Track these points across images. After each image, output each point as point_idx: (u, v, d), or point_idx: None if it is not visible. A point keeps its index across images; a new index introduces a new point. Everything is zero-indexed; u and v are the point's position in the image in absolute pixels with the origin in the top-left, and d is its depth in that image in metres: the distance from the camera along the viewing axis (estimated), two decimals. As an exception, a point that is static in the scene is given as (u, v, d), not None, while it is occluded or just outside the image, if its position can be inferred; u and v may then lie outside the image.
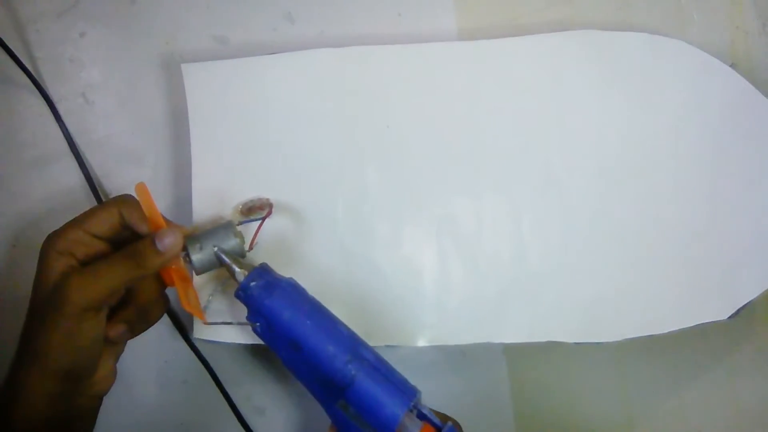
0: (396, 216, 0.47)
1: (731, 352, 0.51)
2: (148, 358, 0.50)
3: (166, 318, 0.49)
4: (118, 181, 0.50)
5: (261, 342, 0.46)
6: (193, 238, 0.41)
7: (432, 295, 0.47)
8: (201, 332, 0.46)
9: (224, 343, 0.46)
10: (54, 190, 0.50)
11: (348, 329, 0.41)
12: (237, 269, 0.41)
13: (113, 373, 0.41)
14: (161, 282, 0.41)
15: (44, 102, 0.49)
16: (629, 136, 0.47)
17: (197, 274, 0.42)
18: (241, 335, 0.46)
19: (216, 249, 0.41)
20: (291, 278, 0.42)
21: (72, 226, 0.39)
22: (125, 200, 0.40)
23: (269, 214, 0.46)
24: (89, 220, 0.39)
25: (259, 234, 0.45)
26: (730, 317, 0.46)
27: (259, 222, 0.45)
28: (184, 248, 0.41)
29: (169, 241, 0.39)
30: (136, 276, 0.38)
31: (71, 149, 0.49)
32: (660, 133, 0.47)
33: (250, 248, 0.44)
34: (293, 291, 0.41)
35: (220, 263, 0.41)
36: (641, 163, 0.47)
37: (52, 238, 0.39)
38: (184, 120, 0.47)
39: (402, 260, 0.47)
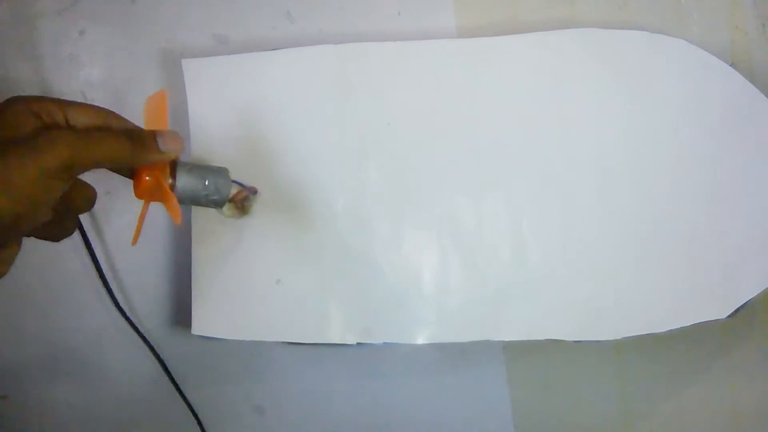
0: (396, 214, 0.47)
1: (730, 352, 0.51)
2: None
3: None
4: (117, 179, 0.50)
5: (260, 339, 0.46)
6: (185, 162, 0.41)
7: (431, 293, 0.47)
8: (200, 329, 0.46)
9: (223, 339, 0.46)
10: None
11: None
12: None
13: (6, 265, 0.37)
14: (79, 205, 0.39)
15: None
16: (629, 134, 0.47)
17: (178, 200, 0.40)
18: (240, 331, 0.46)
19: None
20: None
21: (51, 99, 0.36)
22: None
23: (255, 191, 0.46)
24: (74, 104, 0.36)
25: (252, 212, 0.46)
26: (729, 316, 0.46)
27: (247, 187, 0.45)
28: (173, 169, 0.40)
29: (171, 144, 0.37)
30: (127, 160, 0.36)
31: None
32: (660, 132, 0.47)
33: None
34: None
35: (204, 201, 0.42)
36: (641, 162, 0.47)
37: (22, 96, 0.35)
38: (184, 118, 0.47)
39: (402, 258, 0.47)
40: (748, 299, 0.46)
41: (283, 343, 0.47)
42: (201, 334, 0.46)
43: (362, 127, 0.47)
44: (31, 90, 0.49)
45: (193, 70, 0.47)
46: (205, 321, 0.46)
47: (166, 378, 0.50)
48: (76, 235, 0.48)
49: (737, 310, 0.46)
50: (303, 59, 0.47)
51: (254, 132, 0.47)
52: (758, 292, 0.46)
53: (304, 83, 0.47)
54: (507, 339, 0.46)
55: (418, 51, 0.47)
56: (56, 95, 0.50)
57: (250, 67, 0.47)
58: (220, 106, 0.47)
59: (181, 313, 0.50)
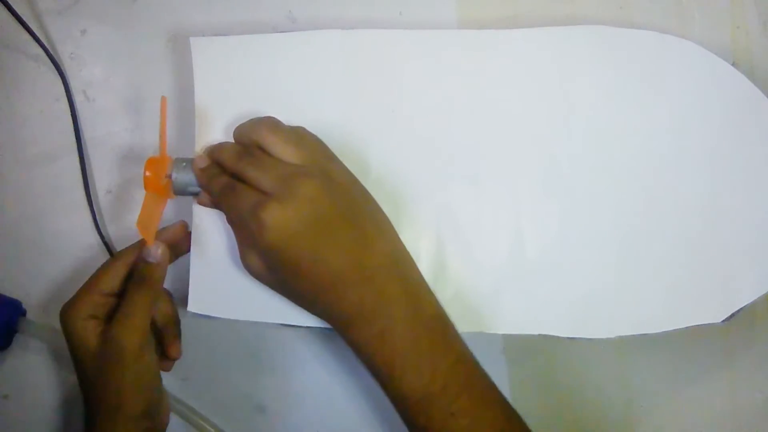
0: (395, 201, 0.47)
1: (732, 352, 0.51)
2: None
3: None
4: (117, 180, 0.51)
5: (256, 320, 0.46)
6: (183, 159, 0.45)
7: (427, 282, 0.46)
8: (196, 307, 0.46)
9: (219, 318, 0.46)
10: (56, 186, 0.50)
11: None
12: None
13: (168, 402, 0.46)
14: (168, 301, 0.46)
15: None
16: (633, 134, 0.47)
17: (174, 193, 0.45)
18: (236, 311, 0.46)
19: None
20: None
21: (85, 292, 0.42)
22: (128, 252, 0.44)
23: None
24: (99, 281, 0.42)
25: None
26: (723, 321, 0.46)
27: None
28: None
29: (156, 252, 0.43)
30: (155, 295, 0.43)
31: (78, 147, 0.50)
32: (663, 133, 0.47)
33: None
34: None
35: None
36: (643, 162, 0.47)
37: (71, 309, 0.42)
38: (186, 117, 0.47)
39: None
40: (744, 305, 0.46)
41: (278, 325, 0.47)
42: (197, 312, 0.46)
43: (367, 112, 0.47)
44: (32, 91, 0.50)
45: (200, 48, 0.47)
46: (202, 300, 0.46)
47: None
48: (87, 223, 0.50)
49: (732, 315, 0.46)
50: (311, 43, 0.47)
51: (258, 114, 0.47)
52: (755, 297, 0.46)
53: (311, 67, 0.47)
54: (500, 332, 0.46)
55: (426, 40, 0.48)
56: (57, 95, 0.50)
57: (258, 49, 0.47)
58: (226, 86, 0.47)
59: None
